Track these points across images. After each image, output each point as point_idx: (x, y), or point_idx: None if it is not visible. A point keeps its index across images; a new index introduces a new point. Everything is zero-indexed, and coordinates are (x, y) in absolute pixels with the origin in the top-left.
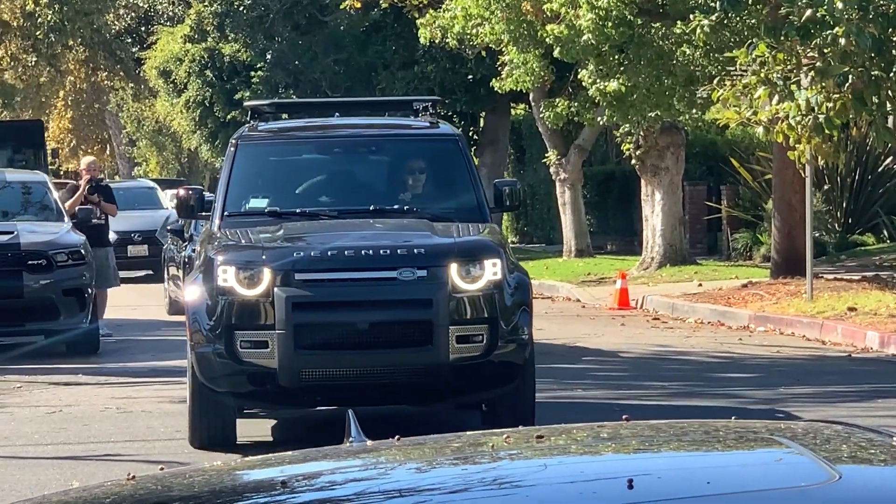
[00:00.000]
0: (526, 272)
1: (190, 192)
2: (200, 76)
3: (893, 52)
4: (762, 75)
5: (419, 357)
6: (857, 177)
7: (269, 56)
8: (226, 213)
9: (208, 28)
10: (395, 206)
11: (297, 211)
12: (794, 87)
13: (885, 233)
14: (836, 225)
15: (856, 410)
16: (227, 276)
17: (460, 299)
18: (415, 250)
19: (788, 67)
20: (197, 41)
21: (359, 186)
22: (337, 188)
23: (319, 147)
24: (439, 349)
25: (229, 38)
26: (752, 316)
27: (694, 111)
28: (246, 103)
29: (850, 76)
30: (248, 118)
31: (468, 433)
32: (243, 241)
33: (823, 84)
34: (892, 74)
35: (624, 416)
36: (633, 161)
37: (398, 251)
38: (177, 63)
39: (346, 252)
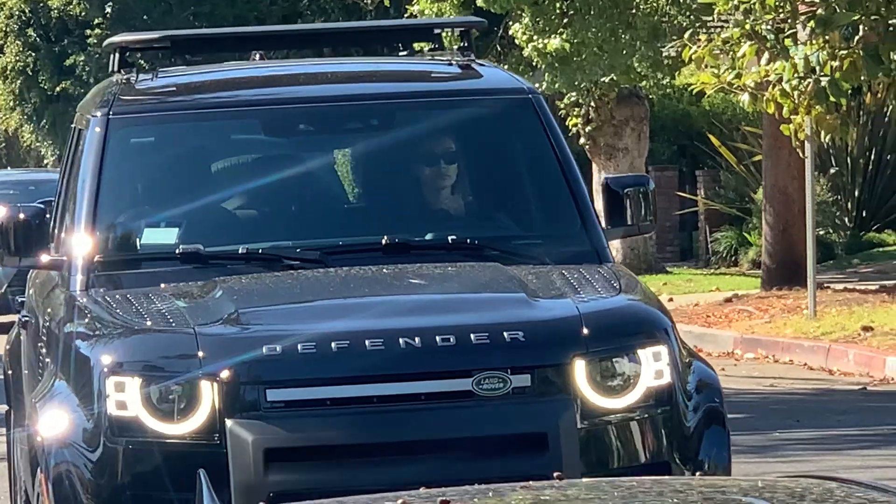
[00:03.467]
0: (705, 361)
1: (25, 216)
2: (20, 36)
3: None
4: (747, 27)
5: None
6: (872, 157)
7: (108, 10)
8: (96, 259)
9: None
10: (432, 237)
11: (242, 251)
12: (788, 41)
13: None
14: (847, 220)
15: (870, 460)
16: (128, 397)
17: (600, 431)
18: (504, 333)
19: (781, 16)
20: None
21: (357, 199)
22: (313, 203)
23: (271, 120)
24: None
25: None
26: (738, 339)
27: (660, 74)
28: (112, 39)
29: (862, 27)
30: (113, 66)
31: None
32: (149, 322)
33: (827, 37)
34: None
35: (556, 474)
36: (582, 140)
37: (472, 336)
38: None
39: (365, 342)
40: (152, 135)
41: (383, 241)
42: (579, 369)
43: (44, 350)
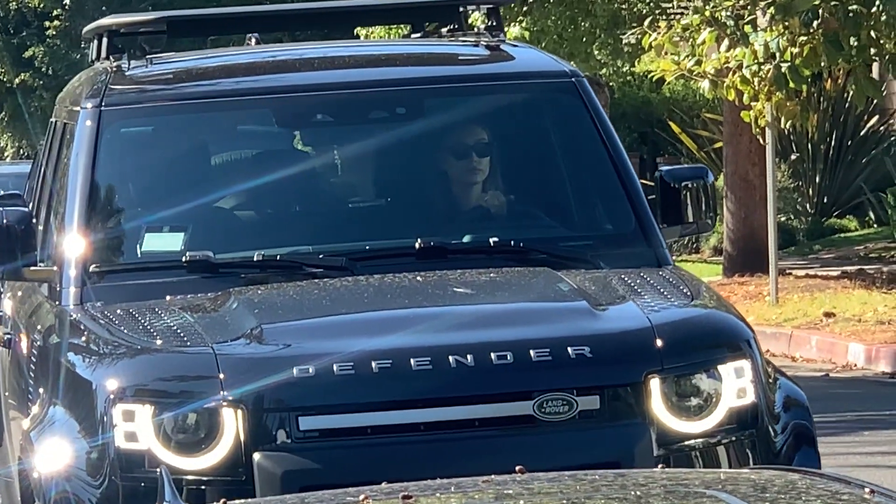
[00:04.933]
0: (790, 378)
1: (8, 221)
2: None
3: None
4: (707, 13)
5: None
6: (833, 143)
7: (66, 1)
8: (91, 268)
9: None
10: (470, 239)
11: (258, 258)
12: (748, 28)
13: (871, 215)
14: (808, 206)
15: (835, 447)
16: (138, 427)
17: (679, 458)
18: (568, 349)
19: (741, 3)
20: None
21: (383, 197)
22: (334, 202)
23: (285, 110)
24: None
25: None
26: None
27: (620, 62)
28: (99, 22)
29: (821, 12)
30: (94, 54)
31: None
32: (159, 340)
33: (786, 23)
34: (874, 10)
35: (518, 467)
36: None
37: (532, 353)
38: None
39: (410, 361)
40: (150, 127)
41: (417, 245)
42: (654, 389)
43: (33, 373)
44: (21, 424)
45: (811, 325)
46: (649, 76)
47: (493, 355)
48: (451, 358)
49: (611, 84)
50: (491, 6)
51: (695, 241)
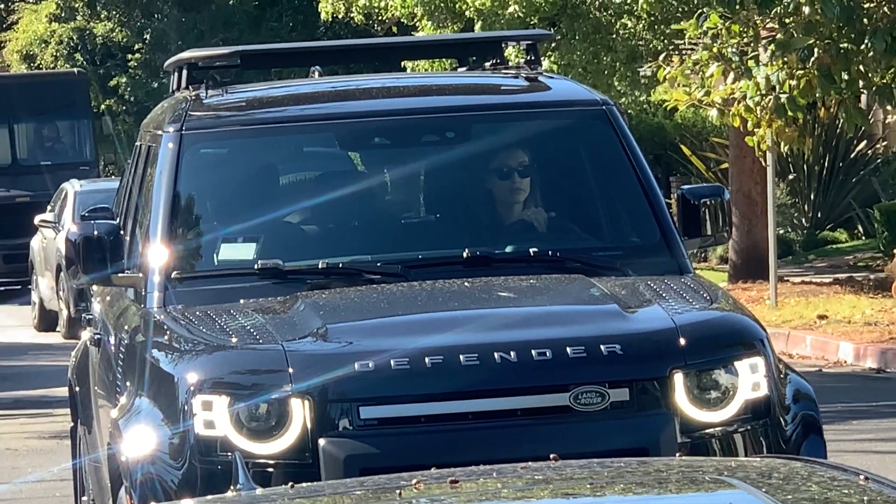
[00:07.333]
0: (800, 374)
1: (99, 233)
2: (69, 60)
3: (864, 20)
4: (715, 50)
5: None
6: (826, 165)
7: (147, 36)
8: (173, 275)
9: (77, 5)
10: (512, 249)
11: (322, 266)
12: (751, 62)
13: (860, 228)
14: (804, 220)
15: (827, 435)
16: (215, 416)
17: (700, 445)
18: (601, 346)
19: (745, 41)
20: (65, 20)
21: (434, 212)
22: (390, 216)
23: (347, 134)
24: None
25: (101, 15)
26: None
27: (637, 92)
28: (179, 56)
29: (816, 49)
30: (175, 84)
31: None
32: (234, 339)
33: (785, 59)
34: (862, 47)
35: (552, 455)
36: None
37: (568, 350)
38: (42, 45)
39: (459, 357)
40: (226, 149)
41: (464, 255)
42: (678, 383)
43: (121, 368)
44: (109, 414)
45: (806, 326)
46: (663, 105)
47: (533, 352)
48: (496, 354)
49: (629, 112)
50: (530, 42)
51: (703, 252)
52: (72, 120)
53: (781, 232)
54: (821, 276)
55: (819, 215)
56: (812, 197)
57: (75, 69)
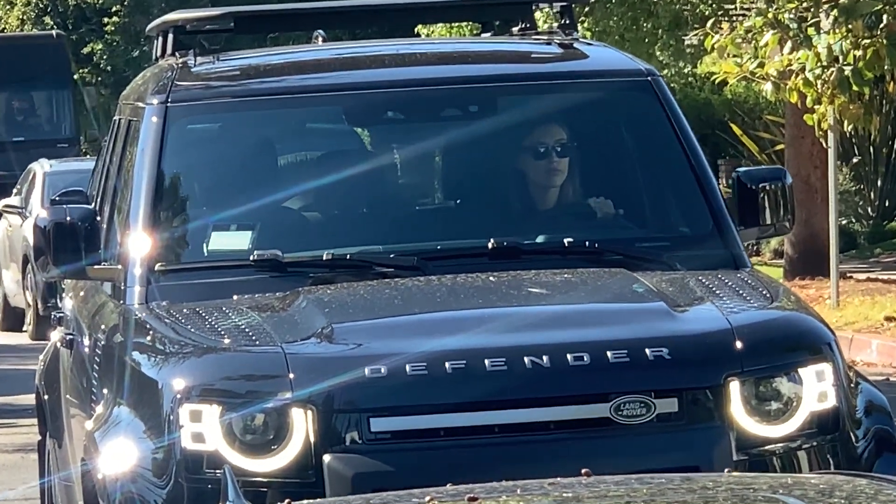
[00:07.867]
0: (872, 383)
1: (72, 219)
2: (38, 24)
3: None
4: (770, 16)
5: None
6: (894, 146)
7: None
8: (157, 267)
9: None
10: (544, 239)
11: (327, 257)
12: (811, 30)
13: None
14: (869, 209)
15: None
16: (205, 428)
17: (759, 463)
18: (646, 350)
19: (804, 5)
20: None
21: (454, 196)
22: (405, 201)
23: (355, 107)
24: None
25: None
26: None
27: (682, 63)
28: (164, 17)
29: (885, 16)
30: (158, 50)
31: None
32: (226, 340)
33: (850, 26)
34: None
35: (584, 470)
36: None
37: (609, 354)
38: (7, 7)
39: (484, 362)
40: (218, 124)
41: (490, 245)
42: (734, 392)
43: (96, 374)
44: (84, 425)
45: (872, 328)
46: (711, 78)
47: (569, 356)
48: (526, 359)
49: (672, 85)
50: (564, 4)
51: (755, 244)
52: (49, 90)
53: (844, 222)
54: (888, 273)
55: (886, 204)
56: (879, 183)
57: (53, 32)
